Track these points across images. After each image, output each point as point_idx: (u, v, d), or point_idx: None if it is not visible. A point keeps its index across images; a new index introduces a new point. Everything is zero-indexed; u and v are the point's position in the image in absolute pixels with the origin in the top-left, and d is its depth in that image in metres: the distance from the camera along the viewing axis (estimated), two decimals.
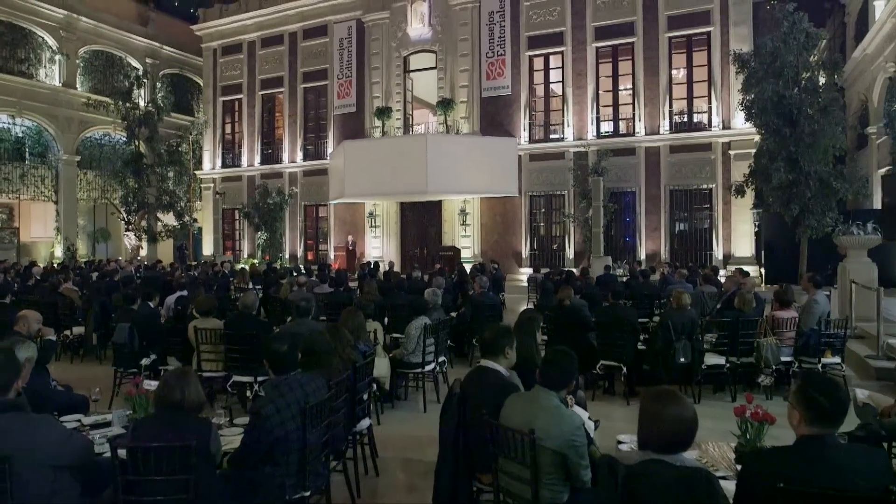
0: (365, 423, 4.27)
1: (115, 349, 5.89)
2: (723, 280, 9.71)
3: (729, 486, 2.29)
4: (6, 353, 2.58)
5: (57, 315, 8.15)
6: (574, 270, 13.59)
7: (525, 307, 11.65)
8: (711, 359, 6.32)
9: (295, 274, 11.35)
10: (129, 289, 6.49)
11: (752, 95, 13.91)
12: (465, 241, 20.12)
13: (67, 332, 8.30)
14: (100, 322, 8.02)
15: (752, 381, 6.57)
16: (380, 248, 21.54)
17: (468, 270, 13.60)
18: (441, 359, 6.29)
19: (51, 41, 22.61)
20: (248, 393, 5.37)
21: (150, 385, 4.01)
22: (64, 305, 8.33)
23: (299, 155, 23.26)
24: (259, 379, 5.33)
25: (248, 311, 5.47)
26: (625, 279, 12.32)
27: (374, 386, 4.97)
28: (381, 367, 5.23)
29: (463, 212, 20.22)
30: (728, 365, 6.29)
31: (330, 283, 9.44)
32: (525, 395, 2.97)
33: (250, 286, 11.28)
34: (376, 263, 15.64)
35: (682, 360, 5.90)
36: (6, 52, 21.43)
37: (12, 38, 21.62)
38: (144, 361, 5.36)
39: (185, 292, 7.92)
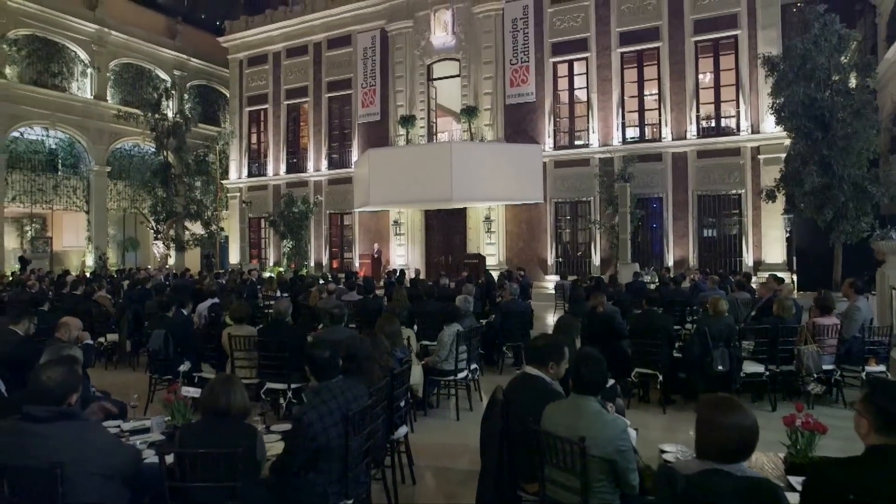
0: (402, 430, 4.24)
1: (150, 356, 5.95)
2: (755, 287, 9.49)
3: (790, 497, 2.21)
4: (70, 366, 2.58)
5: (91, 322, 8.27)
6: (602, 277, 13.44)
7: (554, 315, 11.61)
8: (750, 367, 6.17)
9: (323, 282, 11.38)
10: (163, 296, 6.55)
11: (783, 99, 13.66)
12: (490, 249, 20.06)
13: (101, 339, 8.43)
14: (133, 329, 8.12)
15: (792, 390, 6.41)
16: (404, 255, 21.58)
17: (495, 278, 13.53)
18: (473, 366, 6.24)
19: (83, 55, 23.17)
20: (282, 400, 5.37)
21: (189, 392, 4.03)
22: (98, 313, 8.46)
23: (324, 164, 23.46)
24: (292, 386, 5.34)
25: (281, 319, 5.48)
26: (653, 286, 12.15)
27: (409, 393, 4.94)
28: (415, 374, 5.20)
29: (488, 219, 20.18)
30: (767, 373, 6.14)
31: (358, 291, 9.45)
32: (565, 403, 2.91)
33: (278, 294, 11.39)
34: (402, 271, 15.65)
35: (721, 367, 5.77)
36: (41, 67, 22.01)
37: (47, 52, 22.21)
38: (182, 368, 5.39)
39: (216, 300, 7.99)
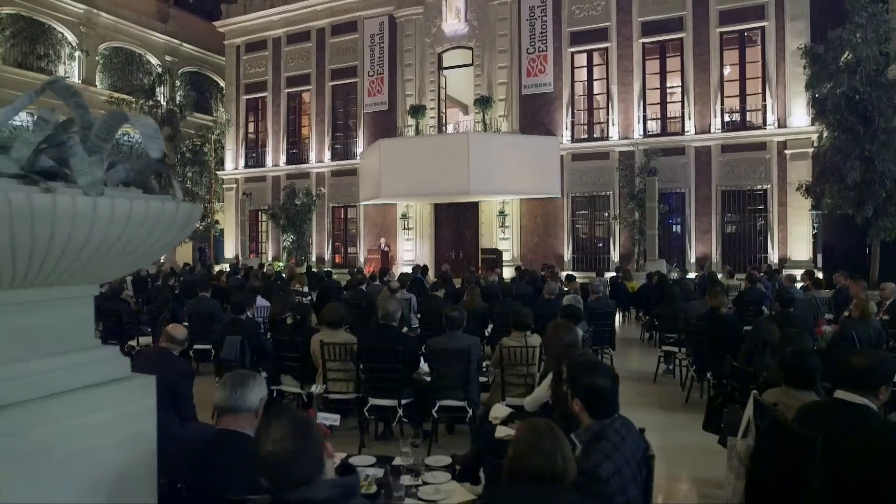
0: None
1: (222, 366, 5.13)
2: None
3: None
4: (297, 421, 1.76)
5: (122, 323, 7.39)
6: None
7: (620, 319, 10.88)
8: None
9: (387, 279, 10.56)
10: (238, 296, 5.75)
11: (825, 90, 13.23)
12: (504, 244, 19.41)
13: (133, 343, 7.53)
14: None
15: None
16: (412, 250, 20.81)
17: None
18: None
19: (70, 37, 21.87)
20: (393, 420, 4.62)
21: (327, 419, 3.28)
22: (129, 313, 7.56)
23: (327, 154, 22.53)
24: (403, 402, 4.60)
25: (389, 322, 4.72)
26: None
27: None
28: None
29: (501, 213, 19.51)
30: None
31: (409, 288, 8.70)
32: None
33: (305, 289, 10.56)
34: (425, 266, 14.91)
35: None
36: (26, 48, 20.68)
37: (32, 33, 20.87)
38: (316, 390, 4.55)
39: (265, 302, 7.18)
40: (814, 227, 16.67)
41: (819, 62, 13.58)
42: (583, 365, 2.39)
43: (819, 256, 16.77)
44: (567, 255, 19.04)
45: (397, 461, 3.20)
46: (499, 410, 3.68)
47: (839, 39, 13.23)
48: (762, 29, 16.96)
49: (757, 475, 2.65)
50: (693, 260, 17.41)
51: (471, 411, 4.56)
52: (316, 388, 4.55)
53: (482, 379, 4.91)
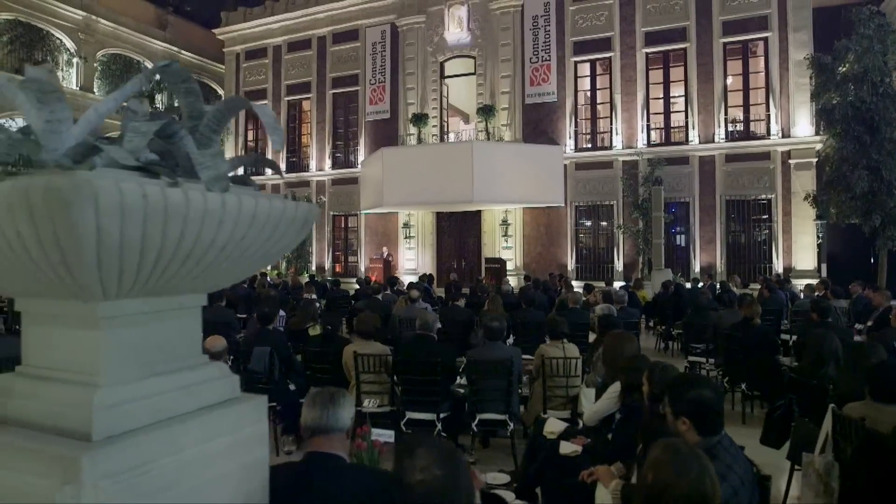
0: None
1: (250, 378, 4.92)
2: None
3: None
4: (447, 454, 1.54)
5: None
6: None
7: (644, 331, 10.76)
8: None
9: (396, 288, 10.37)
10: (266, 306, 5.56)
11: (835, 101, 13.26)
12: (507, 253, 19.28)
13: None
14: None
15: None
16: (414, 259, 20.64)
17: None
18: None
19: (69, 43, 21.66)
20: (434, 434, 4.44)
21: (382, 436, 3.11)
22: None
23: (327, 163, 22.38)
24: (441, 415, 4.42)
25: (428, 333, 4.55)
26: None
27: None
28: (592, 401, 4.33)
29: (504, 222, 19.40)
30: None
31: (424, 297, 8.52)
32: None
33: (313, 297, 10.36)
34: (431, 275, 14.74)
35: None
36: (23, 54, 20.45)
37: (30, 39, 20.64)
38: (370, 406, 4.34)
39: (282, 312, 6.97)
40: (818, 237, 16.66)
41: (825, 72, 13.62)
42: (684, 379, 2.25)
43: (824, 266, 16.76)
44: (570, 264, 18.93)
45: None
46: (554, 425, 3.53)
47: (845, 49, 13.28)
48: (765, 40, 17.02)
49: (853, 494, 2.50)
50: (697, 269, 17.35)
51: (512, 425, 4.40)
52: (370, 404, 4.36)
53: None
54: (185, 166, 1.24)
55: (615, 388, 3.28)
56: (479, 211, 19.65)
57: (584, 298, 8.24)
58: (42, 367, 1.18)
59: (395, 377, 4.60)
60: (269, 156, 23.23)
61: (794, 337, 6.55)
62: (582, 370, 4.47)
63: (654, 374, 2.59)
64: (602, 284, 14.41)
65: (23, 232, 0.95)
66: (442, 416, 4.43)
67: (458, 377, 4.74)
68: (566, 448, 3.07)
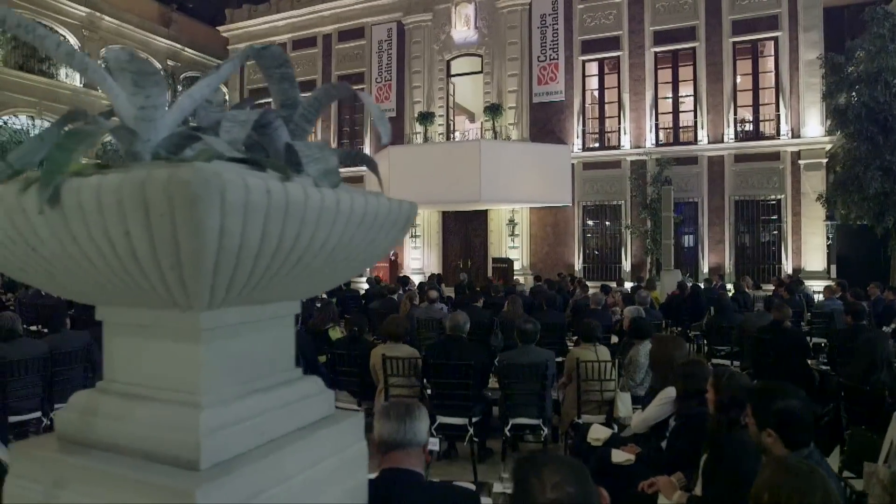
0: None
1: None
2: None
3: None
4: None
5: None
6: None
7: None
8: None
9: (408, 288, 10.22)
10: None
11: (851, 100, 13.14)
12: (514, 253, 19.16)
13: None
14: None
15: None
16: (420, 259, 20.52)
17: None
18: None
19: (73, 40, 21.46)
20: (464, 440, 4.32)
21: (433, 445, 2.99)
22: None
23: None
24: (474, 420, 4.30)
25: (459, 335, 4.43)
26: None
27: None
28: (628, 405, 4.21)
29: (511, 222, 19.28)
30: None
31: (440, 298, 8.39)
32: None
33: (324, 296, 10.23)
34: (440, 275, 14.62)
35: None
36: (27, 51, 20.28)
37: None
38: None
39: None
40: (828, 238, 16.56)
41: (838, 72, 13.51)
42: (769, 389, 2.13)
43: (833, 267, 16.65)
44: (577, 264, 18.82)
45: (498, 488, 2.92)
46: (599, 431, 3.41)
47: (859, 49, 13.16)
48: (775, 39, 16.91)
49: None
50: (706, 270, 17.24)
51: (546, 430, 4.27)
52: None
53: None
54: (275, 159, 1.12)
55: (666, 394, 3.17)
56: (486, 210, 19.53)
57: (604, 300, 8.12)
58: (132, 384, 1.06)
59: (424, 380, 4.48)
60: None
61: (825, 341, 6.44)
62: (617, 374, 4.35)
63: (720, 381, 2.47)
64: (614, 285, 14.28)
65: (133, 232, 0.82)
66: (474, 420, 4.31)
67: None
68: (618, 457, 2.96)
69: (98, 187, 0.83)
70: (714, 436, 2.42)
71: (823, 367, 5.95)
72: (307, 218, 0.95)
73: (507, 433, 4.31)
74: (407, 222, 1.26)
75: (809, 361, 6.09)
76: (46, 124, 21.02)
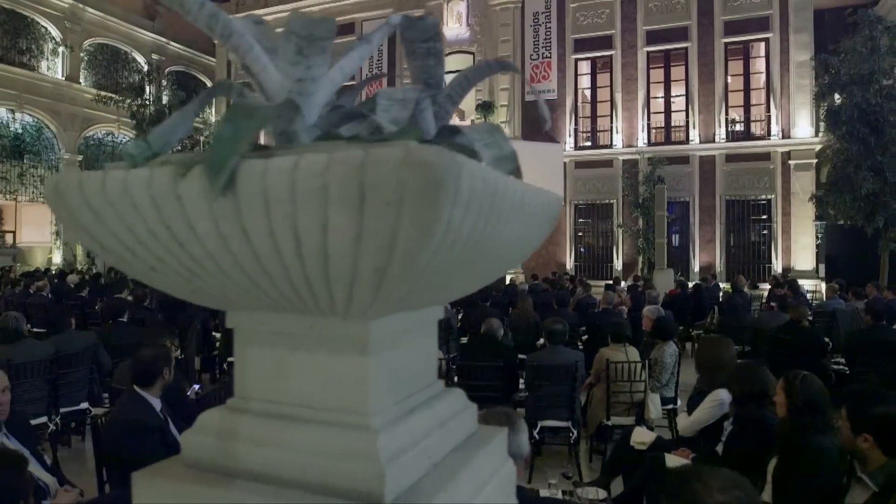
0: None
1: None
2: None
3: None
4: None
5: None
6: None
7: None
8: None
9: None
10: None
11: (842, 102, 13.27)
12: None
13: None
14: (202, 344, 6.73)
15: None
16: None
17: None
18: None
19: (55, 32, 20.92)
20: None
21: None
22: (157, 323, 6.96)
23: None
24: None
25: (492, 335, 4.30)
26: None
27: None
28: (657, 405, 4.13)
29: None
30: None
31: None
32: None
33: None
34: None
35: None
36: (7, 42, 19.69)
37: (14, 26, 19.88)
38: None
39: None
40: (818, 238, 16.73)
41: (830, 73, 13.63)
42: (866, 393, 2.04)
43: (822, 267, 16.84)
44: (569, 263, 18.82)
45: (543, 493, 2.81)
46: (643, 435, 3.31)
47: (851, 51, 13.29)
48: (766, 40, 17.05)
49: None
50: (697, 269, 17.34)
51: (575, 432, 4.17)
52: None
53: None
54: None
55: (716, 396, 3.08)
56: None
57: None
58: (275, 402, 0.91)
59: (454, 380, 4.35)
60: None
61: (827, 340, 6.42)
62: (648, 375, 4.26)
63: (793, 385, 2.38)
64: (624, 283, 14.22)
65: (334, 222, 0.68)
66: None
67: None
68: (673, 461, 2.86)
69: (292, 170, 0.68)
70: (787, 441, 2.33)
71: (835, 367, 5.94)
72: (503, 211, 0.82)
73: (536, 436, 4.20)
74: (556, 217, 1.13)
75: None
76: (27, 119, 20.49)
